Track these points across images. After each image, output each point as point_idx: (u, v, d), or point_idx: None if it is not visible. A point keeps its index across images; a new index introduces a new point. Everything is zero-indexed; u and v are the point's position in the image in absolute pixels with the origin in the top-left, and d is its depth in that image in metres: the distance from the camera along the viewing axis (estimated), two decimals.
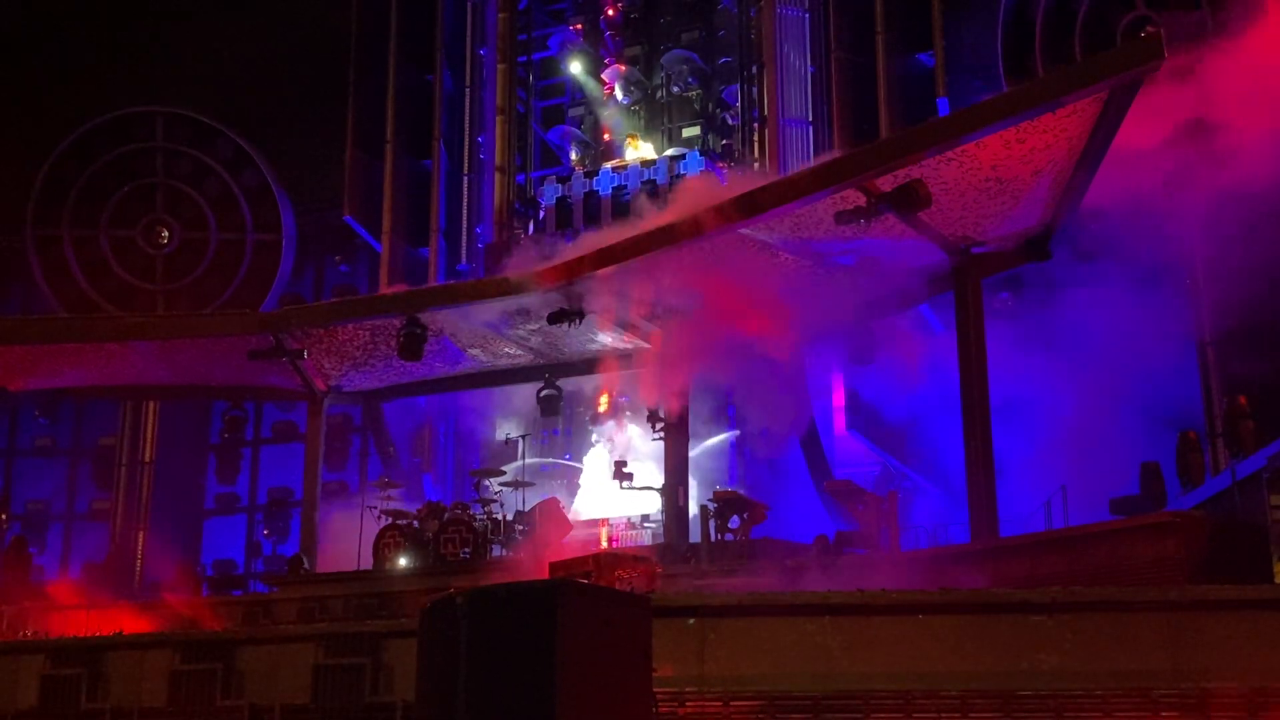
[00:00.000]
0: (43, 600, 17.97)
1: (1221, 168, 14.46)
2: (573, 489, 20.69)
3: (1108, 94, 13.22)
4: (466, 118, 25.49)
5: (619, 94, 24.25)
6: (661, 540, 17.62)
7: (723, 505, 16.64)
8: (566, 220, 23.17)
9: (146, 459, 25.41)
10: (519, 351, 19.35)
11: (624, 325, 17.99)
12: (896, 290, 16.89)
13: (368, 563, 17.94)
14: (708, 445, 20.43)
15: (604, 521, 18.95)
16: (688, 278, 15.85)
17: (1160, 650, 10.36)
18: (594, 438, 21.51)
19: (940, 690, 10.86)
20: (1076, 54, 18.80)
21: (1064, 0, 19.46)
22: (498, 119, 24.88)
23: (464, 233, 25.08)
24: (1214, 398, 17.26)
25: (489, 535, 17.33)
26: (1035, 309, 17.51)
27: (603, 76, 24.40)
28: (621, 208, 22.84)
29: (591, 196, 23.07)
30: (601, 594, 8.00)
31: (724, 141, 23.72)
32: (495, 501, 17.97)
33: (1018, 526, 15.99)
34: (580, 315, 16.90)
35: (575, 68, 24.72)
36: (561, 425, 21.17)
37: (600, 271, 16.50)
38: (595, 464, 20.89)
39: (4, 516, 23.75)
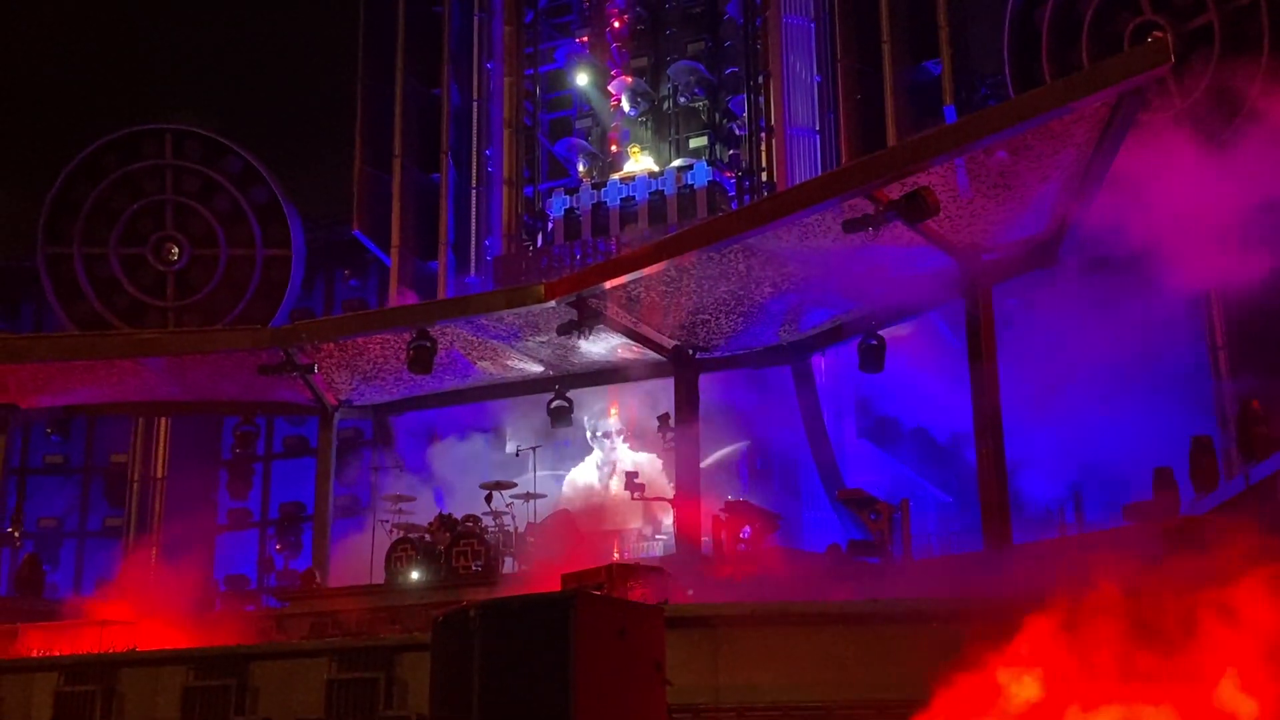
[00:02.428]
0: (56, 616, 17.98)
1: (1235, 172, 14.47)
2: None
3: (1115, 99, 13.21)
4: (474, 131, 25.54)
5: (626, 105, 24.26)
6: (673, 551, 17.59)
7: (734, 515, 16.63)
8: (575, 232, 23.18)
9: (158, 475, 25.43)
10: (529, 363, 19.36)
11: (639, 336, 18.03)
12: (906, 298, 16.87)
13: (380, 576, 17.94)
14: (718, 456, 20.39)
15: (615, 533, 18.92)
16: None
17: (1176, 654, 10.31)
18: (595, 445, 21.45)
19: None
20: (1083, 60, 18.78)
21: (1070, 6, 19.44)
22: (505, 132, 24.91)
23: (473, 245, 25.12)
24: (1226, 402, 17.20)
25: (501, 548, 17.33)
26: (1045, 314, 17.47)
27: (609, 88, 24.42)
28: (629, 219, 22.87)
29: (600, 208, 23.09)
30: (615, 604, 8.01)
31: (731, 151, 23.71)
32: (506, 514, 17.97)
33: (1031, 533, 15.95)
34: (590, 326, 16.91)
35: (582, 80, 24.74)
36: (573, 437, 21.14)
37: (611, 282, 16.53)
38: (583, 474, 20.87)
39: (17, 534, 23.81)
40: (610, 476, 20.28)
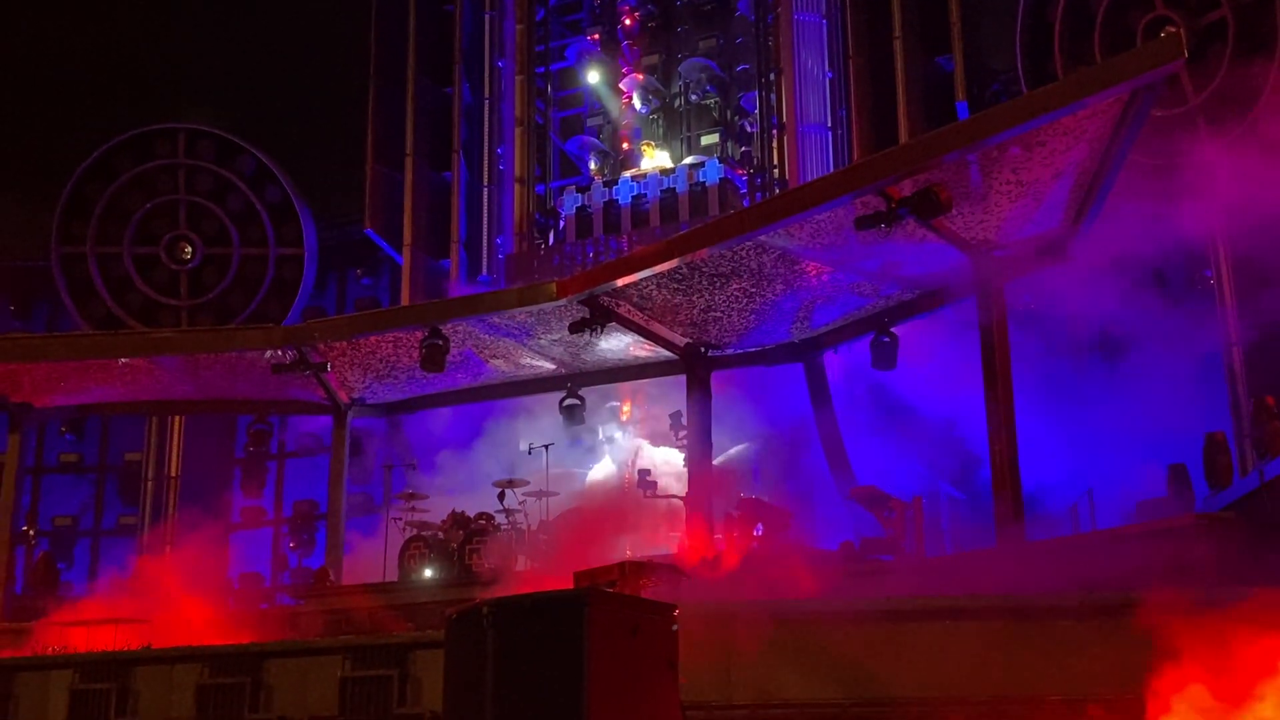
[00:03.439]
0: (71, 614, 18.04)
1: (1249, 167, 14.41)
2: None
3: (1128, 95, 13.16)
4: (485, 129, 25.55)
5: (637, 103, 24.26)
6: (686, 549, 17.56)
7: (746, 513, 16.62)
8: (587, 230, 23.19)
9: (172, 474, 25.52)
10: (541, 361, 19.38)
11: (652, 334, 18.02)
12: (918, 295, 16.86)
13: (393, 574, 17.98)
14: (731, 453, 20.38)
15: (629, 531, 18.89)
16: None
17: (1193, 654, 10.28)
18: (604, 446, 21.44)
19: (969, 697, 10.82)
20: (1096, 55, 18.72)
21: (1082, 2, 19.37)
22: (516, 130, 24.94)
23: (484, 244, 25.14)
24: (1241, 398, 17.14)
25: (514, 545, 17.34)
26: (1058, 310, 17.43)
27: (621, 86, 24.42)
28: (641, 217, 22.87)
29: (611, 206, 23.09)
30: (628, 602, 8.01)
31: (743, 149, 23.69)
32: (519, 512, 17.99)
33: (1045, 530, 15.92)
34: (602, 324, 16.92)
35: (593, 78, 24.75)
36: (586, 434, 21.15)
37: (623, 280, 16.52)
38: (603, 471, 20.88)
39: (32, 533, 23.92)
40: (632, 473, 20.26)
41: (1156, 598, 10.60)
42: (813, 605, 11.80)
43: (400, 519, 18.53)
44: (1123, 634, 10.48)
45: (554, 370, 19.62)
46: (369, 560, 19.34)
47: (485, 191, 25.33)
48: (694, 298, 17.03)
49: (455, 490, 20.27)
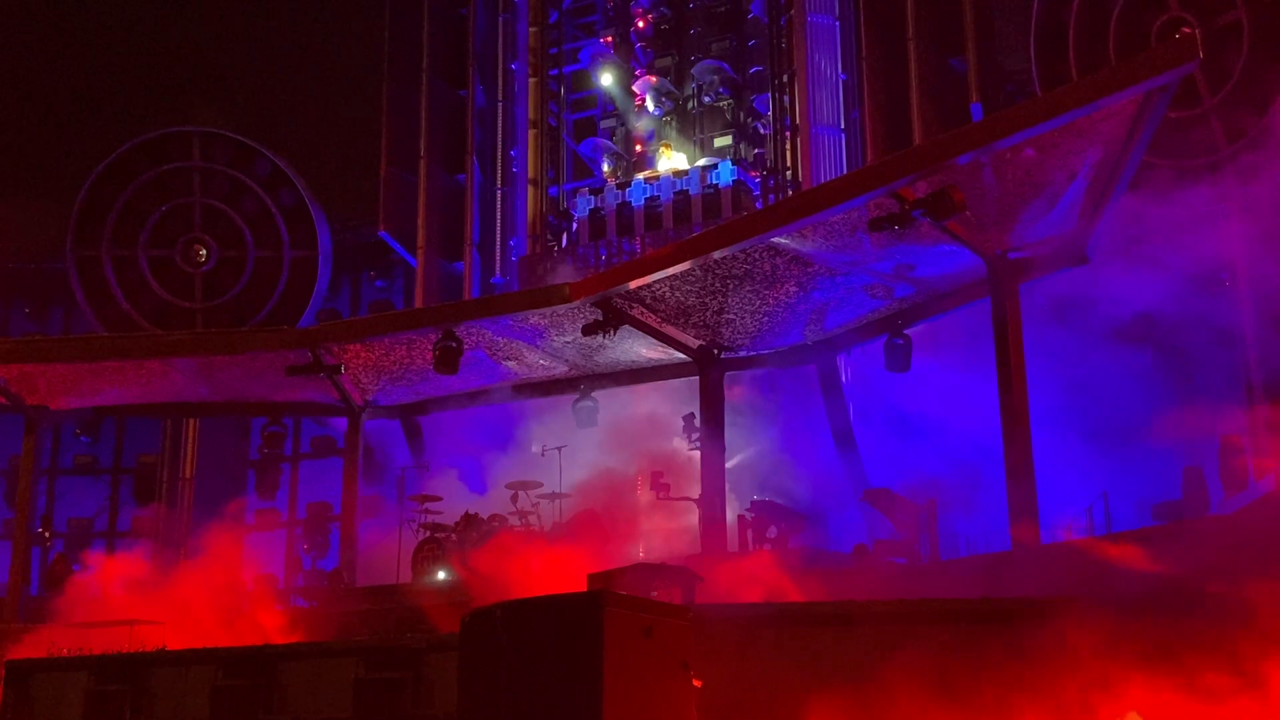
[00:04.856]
0: (86, 615, 18.09)
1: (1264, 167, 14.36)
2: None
3: (1143, 97, 13.12)
4: (499, 132, 25.62)
5: (650, 105, 24.28)
6: (699, 551, 17.56)
7: (759, 515, 16.60)
8: (600, 232, 23.20)
9: (187, 476, 25.61)
10: (554, 363, 19.39)
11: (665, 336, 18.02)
12: (932, 297, 16.83)
13: (407, 576, 17.99)
14: (744, 456, 20.37)
15: (642, 532, 18.90)
16: None
17: (1208, 654, 10.25)
18: None
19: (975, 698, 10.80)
20: (1110, 56, 18.66)
21: (1096, 3, 19.31)
22: (530, 132, 24.99)
23: (498, 246, 25.20)
24: (1256, 400, 17.07)
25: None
26: (1074, 312, 17.38)
27: (634, 88, 24.44)
28: (654, 219, 22.87)
29: (624, 208, 23.10)
30: (642, 604, 8.01)
31: (756, 151, 23.70)
32: (532, 514, 17.98)
33: (1059, 533, 15.87)
34: (614, 326, 16.92)
35: (606, 80, 24.77)
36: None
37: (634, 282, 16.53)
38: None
39: (47, 534, 24.01)
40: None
41: (1171, 600, 10.58)
42: (825, 608, 11.79)
43: (413, 521, 18.55)
44: (1136, 636, 10.45)
45: (567, 372, 19.64)
46: (382, 562, 19.37)
47: (498, 194, 25.39)
48: (707, 300, 17.02)
49: (468, 492, 20.30)
